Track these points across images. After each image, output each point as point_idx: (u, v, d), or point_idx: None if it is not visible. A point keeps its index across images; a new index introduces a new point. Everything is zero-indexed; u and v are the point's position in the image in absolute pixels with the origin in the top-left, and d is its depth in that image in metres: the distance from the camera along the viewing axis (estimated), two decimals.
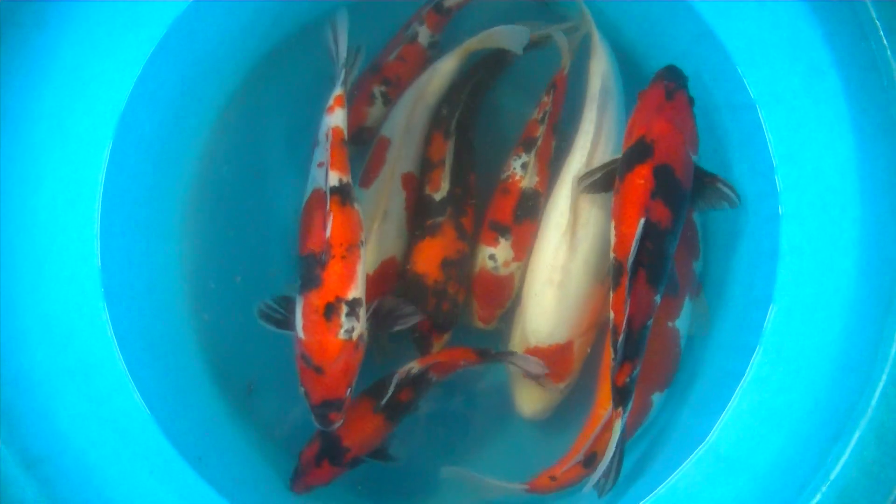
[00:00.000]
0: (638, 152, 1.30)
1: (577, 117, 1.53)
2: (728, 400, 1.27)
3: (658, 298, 1.27)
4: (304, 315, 1.29)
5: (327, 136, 1.37)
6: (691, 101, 1.36)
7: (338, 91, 1.40)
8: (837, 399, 1.22)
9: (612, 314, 1.28)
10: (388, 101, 1.63)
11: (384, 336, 1.53)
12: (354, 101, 1.65)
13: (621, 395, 1.26)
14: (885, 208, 1.26)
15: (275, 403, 1.56)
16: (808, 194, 1.29)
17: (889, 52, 1.24)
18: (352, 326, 1.29)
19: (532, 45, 1.58)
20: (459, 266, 1.55)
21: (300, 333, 1.30)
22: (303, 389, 1.31)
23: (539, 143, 1.56)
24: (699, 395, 1.39)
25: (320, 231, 1.30)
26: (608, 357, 1.36)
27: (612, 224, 1.31)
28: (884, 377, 1.20)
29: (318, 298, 1.28)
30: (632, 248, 1.23)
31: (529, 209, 1.54)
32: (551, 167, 1.57)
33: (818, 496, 1.19)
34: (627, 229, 1.26)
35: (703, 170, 1.34)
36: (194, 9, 1.37)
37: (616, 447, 1.26)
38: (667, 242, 1.27)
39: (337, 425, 1.32)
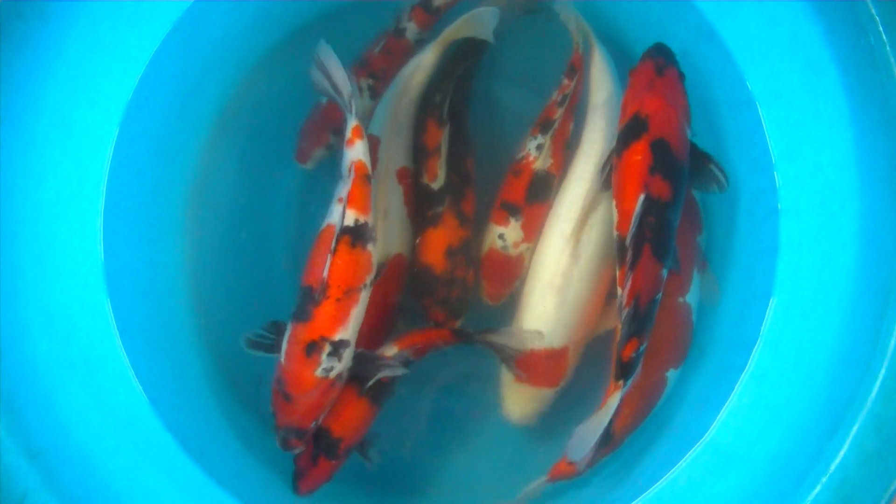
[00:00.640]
0: (633, 129, 1.30)
1: (579, 127, 1.53)
2: (728, 394, 1.27)
3: (665, 272, 1.27)
4: (288, 343, 1.30)
5: (349, 170, 1.32)
6: (682, 75, 1.36)
7: (353, 122, 1.33)
8: (836, 392, 1.23)
9: (619, 290, 1.28)
10: (375, 94, 1.63)
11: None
12: None
13: (624, 370, 1.26)
14: (883, 203, 1.26)
15: None
16: (807, 190, 1.29)
17: (888, 48, 1.24)
18: (331, 366, 1.29)
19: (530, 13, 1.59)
20: (464, 252, 1.55)
21: (281, 358, 1.31)
22: (272, 411, 1.32)
23: (556, 125, 1.55)
24: (699, 390, 1.39)
25: (321, 268, 1.28)
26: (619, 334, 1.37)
27: (614, 202, 1.32)
28: (883, 370, 1.20)
29: (303, 333, 1.28)
30: (631, 224, 1.24)
31: (541, 191, 1.54)
32: (567, 150, 1.56)
33: (818, 488, 1.19)
34: (628, 206, 1.27)
35: (697, 148, 1.34)
36: (198, 6, 1.37)
37: (609, 420, 1.26)
38: (669, 215, 1.27)
39: (296, 451, 1.34)
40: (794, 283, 1.28)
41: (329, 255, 1.27)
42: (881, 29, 1.24)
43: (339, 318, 1.28)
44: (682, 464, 1.26)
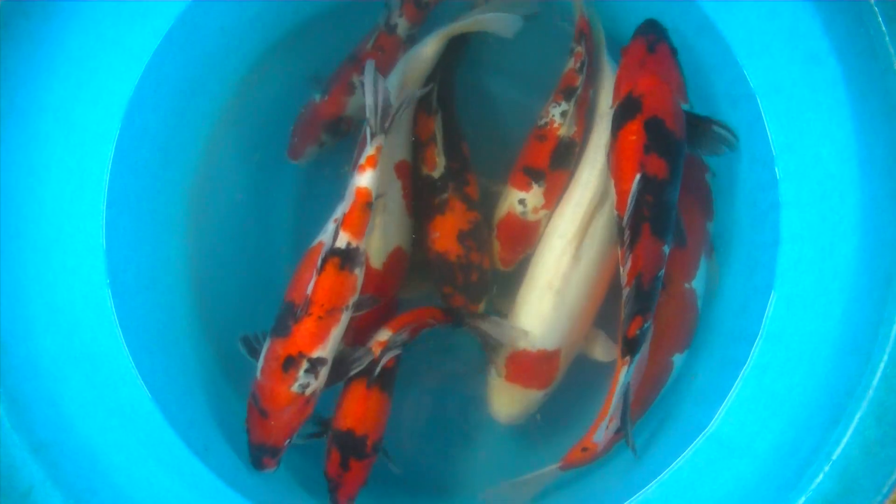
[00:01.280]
0: (627, 108, 1.31)
1: (586, 133, 1.53)
2: (730, 386, 1.28)
3: (666, 249, 1.28)
4: (266, 358, 1.30)
5: (352, 194, 1.33)
6: (674, 51, 1.36)
7: (371, 151, 1.34)
8: (838, 382, 1.23)
9: (620, 269, 1.28)
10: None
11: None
12: (332, 91, 1.65)
13: (630, 346, 1.26)
14: (884, 195, 1.27)
15: None
16: (807, 182, 1.30)
17: (888, 39, 1.24)
18: (307, 383, 1.29)
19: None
20: (476, 234, 1.55)
21: (258, 373, 1.31)
22: (246, 426, 1.32)
23: (579, 91, 1.53)
24: (702, 382, 1.40)
25: (306, 285, 1.28)
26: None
27: (611, 182, 1.32)
28: (884, 359, 1.20)
29: (281, 348, 1.28)
30: (628, 204, 1.24)
31: (565, 158, 1.53)
32: (588, 117, 1.56)
33: (820, 477, 1.20)
34: (626, 185, 1.27)
35: (695, 115, 1.33)
36: (199, 3, 1.38)
37: (622, 398, 1.27)
38: (667, 193, 1.27)
39: (268, 471, 1.32)
40: (795, 275, 1.29)
41: (315, 273, 1.28)
42: (880, 20, 1.25)
43: (319, 336, 1.28)
44: (685, 455, 1.26)
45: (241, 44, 1.55)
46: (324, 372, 1.30)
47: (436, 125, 1.57)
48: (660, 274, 1.27)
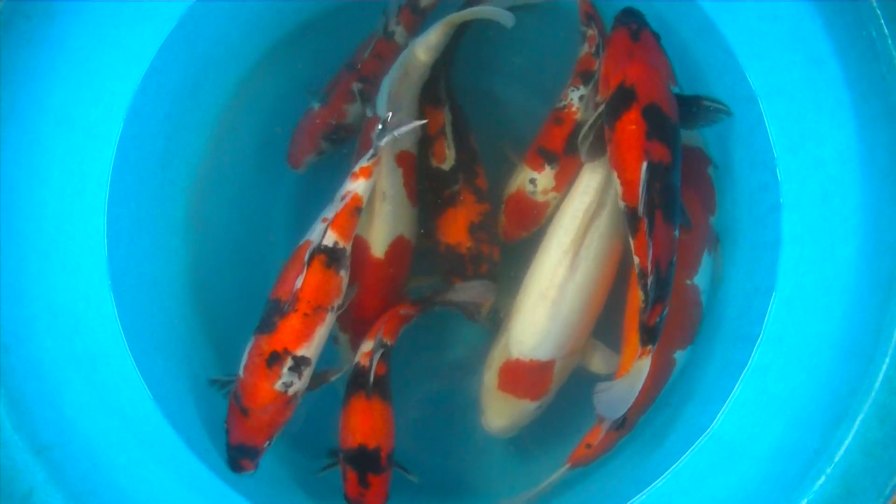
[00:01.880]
0: (621, 99, 1.30)
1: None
2: (732, 388, 1.28)
3: (677, 233, 1.28)
4: (249, 355, 1.29)
5: (343, 198, 1.34)
6: (657, 36, 1.36)
7: (367, 162, 1.36)
8: (840, 383, 1.23)
9: (636, 259, 1.28)
10: (367, 98, 1.62)
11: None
12: (332, 99, 1.65)
13: (650, 335, 1.27)
14: (885, 196, 1.27)
15: None
16: (809, 184, 1.30)
17: (889, 41, 1.24)
18: (291, 381, 1.28)
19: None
20: (487, 226, 1.55)
21: (240, 371, 1.30)
22: (226, 426, 1.31)
23: (597, 76, 1.49)
24: (703, 384, 1.40)
25: (293, 282, 1.29)
26: (631, 312, 1.37)
27: (615, 174, 1.31)
28: (886, 360, 1.21)
29: (266, 344, 1.28)
30: (640, 193, 1.24)
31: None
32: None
33: (822, 478, 1.20)
34: (631, 176, 1.27)
35: (683, 96, 1.34)
36: (201, 4, 1.38)
37: (639, 386, 1.27)
38: (672, 178, 1.28)
39: (246, 472, 1.31)
40: (796, 277, 1.29)
41: (303, 268, 1.28)
42: (882, 22, 1.25)
43: (305, 334, 1.28)
44: (686, 456, 1.26)
45: (241, 46, 1.56)
46: (307, 374, 1.30)
47: (445, 117, 1.57)
48: (674, 259, 1.27)
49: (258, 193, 1.67)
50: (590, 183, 1.45)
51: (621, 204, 1.31)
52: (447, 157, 1.56)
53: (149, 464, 1.27)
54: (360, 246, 1.45)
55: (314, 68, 1.68)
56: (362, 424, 1.34)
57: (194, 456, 1.29)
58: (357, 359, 1.39)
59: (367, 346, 1.39)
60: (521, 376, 1.48)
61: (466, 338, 1.60)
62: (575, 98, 1.54)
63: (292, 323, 1.27)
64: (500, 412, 1.52)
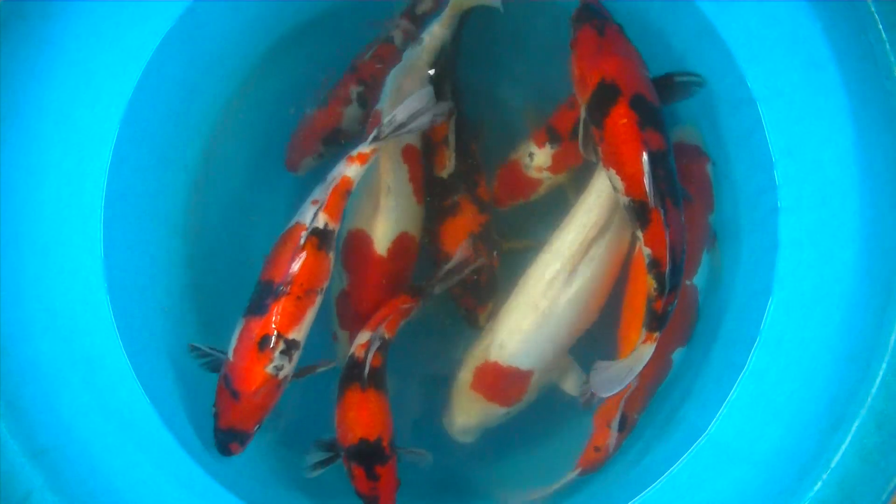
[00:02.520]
0: (605, 96, 1.30)
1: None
2: (728, 391, 1.28)
3: (682, 216, 1.28)
4: (239, 338, 1.29)
5: (333, 179, 1.34)
6: (620, 27, 1.36)
7: (366, 148, 1.35)
8: (837, 388, 1.24)
9: (648, 251, 1.27)
10: (365, 102, 1.62)
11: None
12: (330, 102, 1.64)
13: (659, 322, 1.27)
14: (884, 200, 1.27)
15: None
16: (807, 188, 1.30)
17: (888, 46, 1.24)
18: (281, 364, 1.28)
19: None
20: (486, 237, 1.55)
21: (230, 355, 1.30)
22: (214, 410, 1.31)
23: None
24: (700, 387, 1.40)
25: (286, 264, 1.29)
26: (630, 316, 1.38)
27: (612, 172, 1.30)
28: (883, 365, 1.21)
29: (258, 326, 1.28)
30: (647, 185, 1.24)
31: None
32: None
33: (819, 484, 1.20)
34: (632, 168, 1.26)
35: (656, 78, 1.34)
36: (199, 4, 1.37)
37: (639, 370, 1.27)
38: (670, 163, 1.28)
39: (234, 455, 1.31)
40: (794, 280, 1.28)
41: (297, 252, 1.28)
42: (881, 27, 1.24)
43: (297, 316, 1.28)
44: (683, 460, 1.26)
45: (240, 46, 1.55)
46: (296, 358, 1.30)
47: (448, 126, 1.56)
48: (685, 245, 1.27)
49: (257, 195, 1.67)
50: (599, 199, 1.44)
51: (624, 199, 1.30)
52: (448, 167, 1.56)
53: (146, 467, 1.27)
54: (362, 241, 1.45)
55: (315, 68, 1.67)
56: (360, 418, 1.33)
57: (191, 459, 1.29)
58: (352, 350, 1.38)
59: (363, 337, 1.37)
60: (496, 380, 1.48)
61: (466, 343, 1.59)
62: None
63: (285, 306, 1.27)
64: (466, 411, 1.52)
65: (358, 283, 1.47)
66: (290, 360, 1.29)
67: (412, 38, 1.62)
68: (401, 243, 1.47)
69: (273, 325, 1.27)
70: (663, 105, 1.31)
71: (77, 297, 1.29)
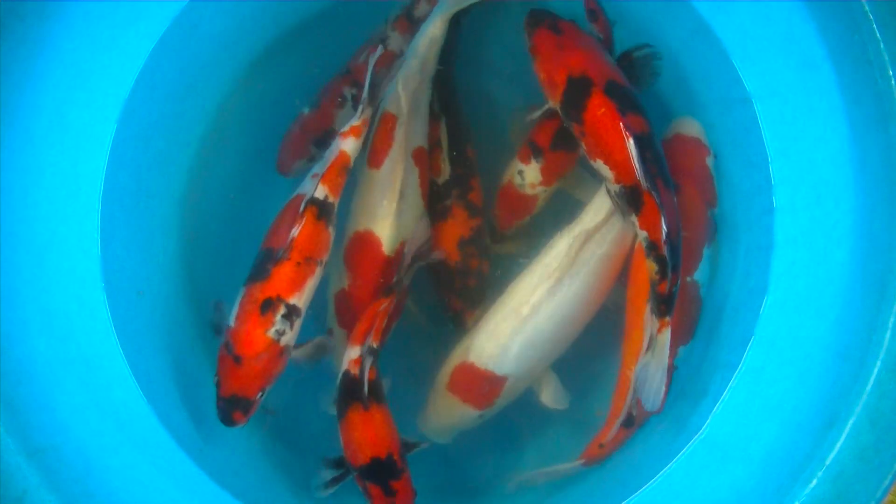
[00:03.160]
0: (578, 90, 1.30)
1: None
2: (723, 390, 1.28)
3: (675, 197, 1.29)
4: (241, 304, 1.30)
5: (332, 153, 1.37)
6: (572, 21, 1.37)
7: (358, 121, 1.40)
8: (832, 386, 1.24)
9: (643, 234, 1.28)
10: (358, 104, 1.62)
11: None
12: (323, 103, 1.64)
13: (667, 305, 1.28)
14: (878, 200, 1.27)
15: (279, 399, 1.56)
16: (802, 187, 1.30)
17: (882, 45, 1.25)
18: (283, 329, 1.29)
19: None
20: (477, 241, 1.56)
21: (231, 321, 1.31)
22: (216, 379, 1.31)
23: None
24: (695, 386, 1.40)
25: (286, 231, 1.30)
26: (634, 317, 1.38)
27: (599, 162, 1.31)
28: (878, 364, 1.21)
29: (259, 291, 1.29)
30: (636, 168, 1.25)
31: (565, 142, 1.47)
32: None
33: (814, 482, 1.20)
34: (619, 155, 1.27)
35: (619, 59, 1.35)
36: (195, 5, 1.37)
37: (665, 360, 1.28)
38: (655, 142, 1.28)
39: (237, 426, 1.31)
40: (789, 280, 1.29)
41: (297, 218, 1.30)
42: (875, 26, 1.25)
43: (298, 282, 1.30)
44: (678, 459, 1.27)
45: (236, 47, 1.55)
46: (297, 326, 1.31)
47: (441, 131, 1.57)
48: (680, 224, 1.28)
49: (253, 195, 1.66)
50: (595, 216, 1.44)
51: (615, 187, 1.30)
52: (442, 171, 1.56)
53: (142, 466, 1.27)
54: (370, 241, 1.45)
55: (311, 68, 1.67)
56: (368, 437, 1.31)
57: (188, 458, 1.28)
58: (345, 367, 1.36)
59: (354, 352, 1.36)
60: (471, 382, 1.48)
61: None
62: None
63: (286, 270, 1.29)
64: (441, 412, 1.52)
65: (361, 282, 1.48)
66: (291, 327, 1.30)
67: (410, 38, 1.62)
68: (405, 247, 1.48)
69: (274, 290, 1.29)
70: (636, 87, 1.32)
71: (74, 296, 1.29)
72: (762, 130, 1.32)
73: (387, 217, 1.46)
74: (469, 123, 1.62)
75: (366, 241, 1.44)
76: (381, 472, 1.31)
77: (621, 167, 1.28)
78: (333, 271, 1.52)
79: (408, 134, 1.49)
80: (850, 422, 1.21)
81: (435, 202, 1.55)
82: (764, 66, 1.33)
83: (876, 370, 1.21)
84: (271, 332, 1.28)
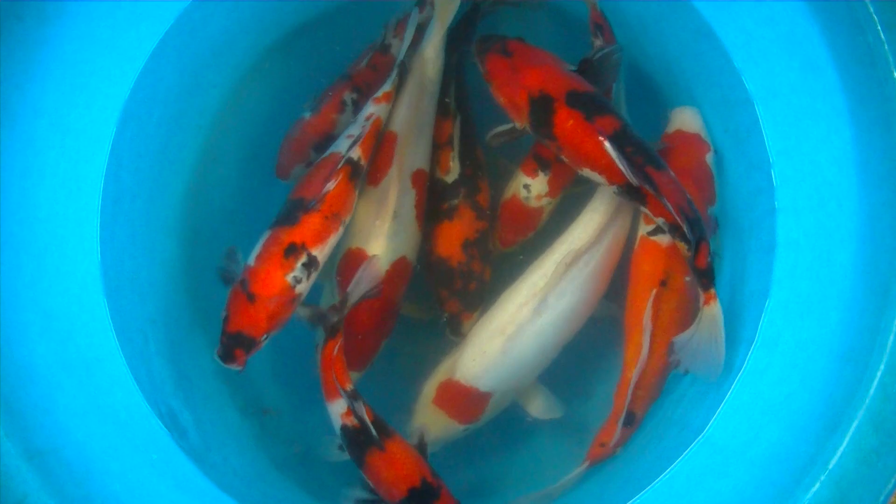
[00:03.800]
0: (541, 108, 1.31)
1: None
2: (726, 392, 1.28)
3: (672, 174, 1.29)
4: (265, 245, 1.32)
5: (367, 118, 1.42)
6: (519, 39, 1.38)
7: (389, 87, 1.45)
8: (835, 389, 1.23)
9: (660, 220, 1.28)
10: (358, 109, 1.60)
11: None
12: (324, 108, 1.64)
13: (708, 277, 1.27)
14: (881, 201, 1.27)
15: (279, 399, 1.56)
16: (804, 188, 1.30)
17: (886, 47, 1.24)
18: (301, 277, 1.31)
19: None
20: (481, 245, 1.55)
21: (251, 261, 1.32)
22: (225, 314, 1.31)
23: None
24: (697, 388, 1.40)
25: (319, 184, 1.33)
26: (633, 315, 1.38)
27: (586, 171, 1.31)
28: (881, 367, 1.21)
29: (287, 235, 1.31)
30: (619, 166, 1.24)
31: None
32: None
33: (816, 485, 1.20)
34: (602, 160, 1.27)
35: (577, 66, 1.36)
36: (195, 6, 1.37)
37: (721, 334, 1.27)
38: (632, 134, 1.28)
39: (234, 366, 1.30)
40: (791, 282, 1.28)
41: (334, 175, 1.33)
42: (879, 28, 1.24)
43: (322, 235, 1.33)
44: (680, 461, 1.26)
45: (236, 49, 1.55)
46: (313, 277, 1.34)
47: (454, 129, 1.56)
48: (688, 196, 1.27)
49: (253, 196, 1.66)
50: (582, 234, 1.45)
51: (613, 188, 1.31)
52: (451, 170, 1.56)
53: (143, 469, 1.26)
54: (361, 260, 1.43)
55: (311, 69, 1.67)
56: (397, 474, 1.29)
57: (189, 461, 1.28)
58: (340, 423, 1.32)
59: (339, 407, 1.31)
60: (457, 398, 1.48)
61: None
62: None
63: (315, 220, 1.33)
64: (427, 425, 1.51)
65: None
66: (307, 277, 1.32)
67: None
68: (399, 266, 1.48)
69: (301, 236, 1.31)
70: (599, 87, 1.33)
71: (74, 299, 1.29)
72: (764, 132, 1.32)
73: (379, 237, 1.46)
74: (477, 125, 1.61)
75: (358, 259, 1.44)
76: (422, 497, 1.29)
77: (608, 171, 1.28)
78: (326, 286, 1.53)
79: (408, 155, 1.50)
80: (853, 425, 1.20)
81: (441, 201, 1.55)
82: (766, 67, 1.32)
83: (879, 373, 1.21)
84: (289, 277, 1.30)
